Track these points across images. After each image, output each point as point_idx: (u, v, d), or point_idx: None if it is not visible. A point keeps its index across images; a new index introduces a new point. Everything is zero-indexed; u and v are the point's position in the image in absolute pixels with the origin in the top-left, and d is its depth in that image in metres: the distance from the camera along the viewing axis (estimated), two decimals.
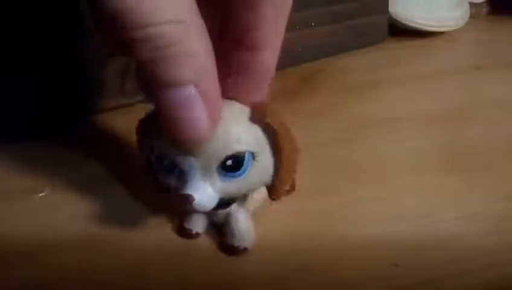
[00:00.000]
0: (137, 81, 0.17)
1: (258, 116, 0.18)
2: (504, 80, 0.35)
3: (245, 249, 0.20)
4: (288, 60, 0.31)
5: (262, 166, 0.18)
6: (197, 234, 0.21)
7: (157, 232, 0.22)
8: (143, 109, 0.19)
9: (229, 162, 0.18)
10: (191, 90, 0.16)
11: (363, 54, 0.39)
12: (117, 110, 0.30)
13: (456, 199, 0.23)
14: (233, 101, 0.19)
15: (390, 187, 0.24)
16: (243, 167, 0.18)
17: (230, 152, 0.17)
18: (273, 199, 0.19)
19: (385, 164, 0.26)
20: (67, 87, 0.28)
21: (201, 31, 0.16)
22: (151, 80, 0.16)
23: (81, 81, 0.29)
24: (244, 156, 0.18)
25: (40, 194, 0.24)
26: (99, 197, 0.23)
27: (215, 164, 0.18)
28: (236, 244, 0.20)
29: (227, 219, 0.20)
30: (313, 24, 0.36)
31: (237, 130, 0.18)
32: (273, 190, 0.19)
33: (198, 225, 0.21)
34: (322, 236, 0.21)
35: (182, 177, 0.18)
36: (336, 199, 0.23)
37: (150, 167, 0.20)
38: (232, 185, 0.18)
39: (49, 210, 0.23)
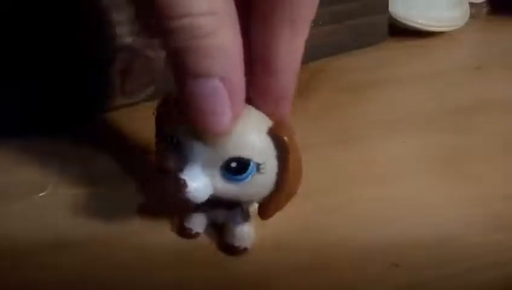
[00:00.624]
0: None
1: (277, 133, 0.18)
2: (504, 80, 0.35)
3: (245, 249, 0.20)
4: None
5: (264, 180, 0.18)
6: (197, 234, 0.21)
7: (157, 232, 0.22)
8: (144, 109, 0.19)
9: (234, 164, 0.17)
10: (218, 83, 0.16)
11: (363, 54, 0.39)
12: (117, 110, 0.30)
13: (456, 198, 0.23)
14: (259, 110, 0.19)
15: (390, 187, 0.24)
16: (246, 173, 0.18)
17: (236, 154, 0.17)
18: (262, 219, 0.19)
19: (385, 164, 0.26)
20: (67, 87, 0.28)
21: (235, 25, 0.16)
22: (180, 69, 0.16)
23: (81, 81, 0.29)
24: (249, 163, 0.17)
25: (40, 194, 0.24)
26: (99, 197, 0.23)
27: (220, 161, 0.18)
28: (237, 244, 0.20)
29: (227, 218, 0.20)
30: (312, 24, 0.36)
31: (251, 137, 0.18)
32: (264, 209, 0.19)
33: (198, 224, 0.21)
34: (322, 236, 0.21)
35: (184, 161, 0.18)
36: (335, 199, 0.23)
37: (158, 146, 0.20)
38: (230, 188, 0.18)
39: (49, 210, 0.23)
